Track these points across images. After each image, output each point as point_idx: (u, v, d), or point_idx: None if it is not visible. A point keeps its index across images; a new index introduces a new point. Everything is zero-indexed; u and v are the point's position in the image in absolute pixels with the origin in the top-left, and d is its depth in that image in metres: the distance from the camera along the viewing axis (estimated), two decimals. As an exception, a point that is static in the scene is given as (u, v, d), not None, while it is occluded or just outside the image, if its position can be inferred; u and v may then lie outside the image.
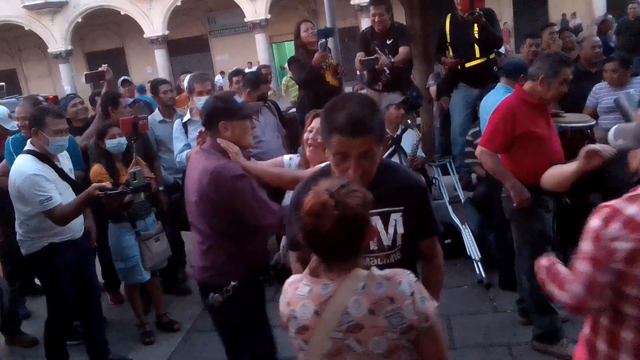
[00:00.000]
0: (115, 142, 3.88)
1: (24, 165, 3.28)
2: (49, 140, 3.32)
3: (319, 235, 1.49)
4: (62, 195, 3.35)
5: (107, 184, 3.34)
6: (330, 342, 1.51)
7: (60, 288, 3.53)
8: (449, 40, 5.42)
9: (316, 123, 2.74)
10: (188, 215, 2.56)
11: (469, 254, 4.41)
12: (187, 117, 4.43)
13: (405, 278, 1.54)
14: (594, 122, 3.97)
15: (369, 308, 1.47)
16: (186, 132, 4.35)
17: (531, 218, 3.13)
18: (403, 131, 4.68)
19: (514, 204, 3.14)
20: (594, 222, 1.58)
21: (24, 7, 23.63)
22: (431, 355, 1.56)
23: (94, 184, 3.31)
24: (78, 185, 3.53)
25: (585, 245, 1.58)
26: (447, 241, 4.64)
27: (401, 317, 1.47)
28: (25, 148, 3.41)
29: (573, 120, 4.02)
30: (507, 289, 3.90)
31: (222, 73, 21.47)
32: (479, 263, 4.29)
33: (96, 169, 3.87)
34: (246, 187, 2.38)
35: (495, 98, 3.78)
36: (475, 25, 5.18)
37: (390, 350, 1.49)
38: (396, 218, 1.85)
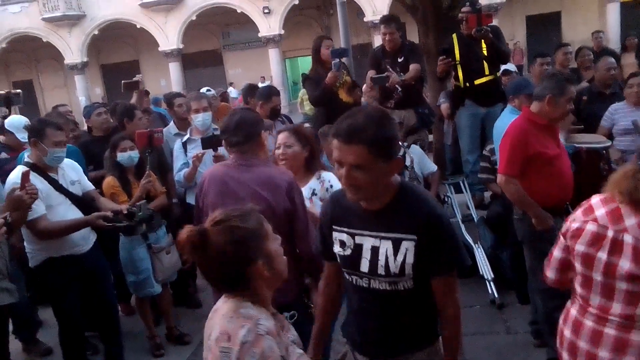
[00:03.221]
0: (126, 156, 3.91)
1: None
2: (48, 152, 3.32)
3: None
4: (56, 207, 3.33)
5: (109, 213, 3.39)
6: (206, 349, 1.59)
7: (61, 302, 3.53)
8: (458, 59, 5.42)
9: (282, 138, 2.92)
10: None
11: (481, 273, 4.38)
12: (186, 136, 4.47)
13: (251, 327, 1.48)
14: (609, 143, 3.96)
15: (217, 336, 1.51)
16: (185, 151, 4.38)
17: (545, 241, 3.09)
18: (405, 151, 4.70)
19: (536, 225, 3.10)
20: None
21: (43, 19, 24.03)
22: None
23: (95, 214, 3.34)
24: (78, 197, 3.51)
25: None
26: (460, 260, 4.62)
27: (229, 358, 1.46)
28: (24, 160, 3.43)
29: (588, 140, 4.01)
30: (526, 303, 3.83)
31: (231, 84, 21.68)
32: (491, 283, 4.26)
33: (109, 181, 3.90)
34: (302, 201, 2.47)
35: (504, 121, 3.77)
36: (483, 42, 5.20)
37: None
38: (407, 247, 1.76)
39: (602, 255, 1.88)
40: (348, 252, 1.88)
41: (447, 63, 5.35)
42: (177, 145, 4.44)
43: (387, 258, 1.79)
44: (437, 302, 1.84)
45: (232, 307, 1.55)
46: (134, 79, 5.28)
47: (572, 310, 2.07)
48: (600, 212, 1.92)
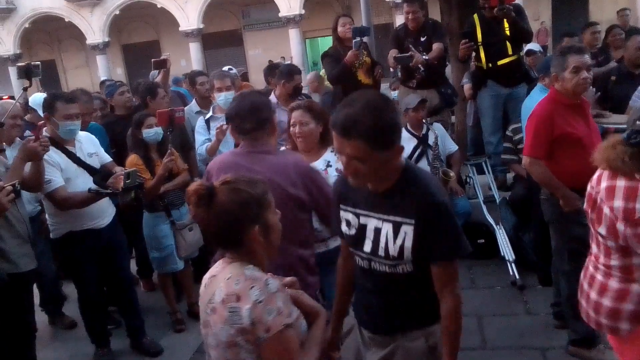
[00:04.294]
0: (152, 132, 3.93)
1: None
2: (59, 125, 3.39)
3: (201, 223, 1.64)
4: (75, 180, 3.42)
5: (98, 187, 3.42)
6: (204, 313, 1.65)
7: (81, 275, 3.64)
8: (480, 40, 5.30)
9: (297, 116, 2.89)
10: None
11: (502, 254, 4.35)
12: (209, 114, 4.48)
13: (261, 287, 1.53)
14: (638, 124, 3.85)
15: (223, 298, 1.56)
16: (208, 128, 4.39)
17: (572, 222, 3.05)
18: (428, 129, 4.66)
19: (563, 206, 3.05)
20: None
21: (65, -1, 24.21)
22: None
23: (90, 187, 3.41)
24: (95, 170, 3.57)
25: None
26: (481, 241, 4.61)
27: (238, 316, 1.51)
28: (42, 134, 3.48)
29: (617, 121, 3.92)
30: (547, 285, 3.82)
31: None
32: (512, 264, 4.23)
33: (132, 159, 3.92)
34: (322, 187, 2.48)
35: (533, 100, 3.70)
36: (505, 21, 5.08)
37: (229, 343, 1.55)
38: (406, 230, 1.75)
39: (591, 212, 2.17)
40: (353, 231, 1.90)
41: (468, 47, 5.25)
42: (199, 123, 4.45)
43: (387, 240, 1.79)
44: (437, 291, 1.81)
45: (236, 271, 1.59)
46: (162, 57, 5.33)
47: (590, 266, 2.29)
48: (594, 176, 2.20)
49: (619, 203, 2.00)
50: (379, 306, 1.92)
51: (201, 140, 4.35)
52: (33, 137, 3.12)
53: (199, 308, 4.62)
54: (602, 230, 2.09)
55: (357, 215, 1.88)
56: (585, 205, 2.23)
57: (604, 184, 2.09)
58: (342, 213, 1.94)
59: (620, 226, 2.00)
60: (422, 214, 1.73)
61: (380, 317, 1.93)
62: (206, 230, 1.65)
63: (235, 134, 2.51)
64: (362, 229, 1.86)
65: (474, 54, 5.47)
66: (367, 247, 1.85)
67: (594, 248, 2.24)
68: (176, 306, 4.28)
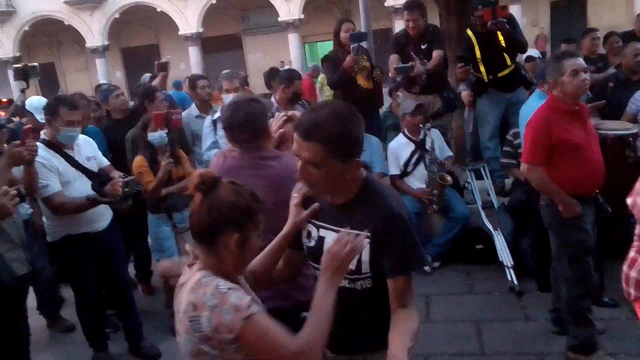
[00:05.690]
0: (157, 135, 3.91)
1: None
2: (60, 130, 3.39)
3: (192, 208, 1.63)
4: (73, 183, 3.42)
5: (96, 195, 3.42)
6: (177, 324, 1.63)
7: (78, 278, 3.64)
8: (479, 57, 5.31)
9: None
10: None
11: (500, 260, 4.36)
12: (217, 114, 4.48)
13: (212, 291, 1.52)
14: (636, 130, 3.88)
15: (184, 308, 1.56)
16: (215, 129, 4.39)
17: (572, 228, 3.07)
18: (425, 135, 4.69)
19: (563, 212, 3.06)
20: None
21: (65, 2, 24.16)
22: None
23: (87, 195, 3.40)
24: (94, 173, 3.57)
25: None
26: (479, 247, 4.62)
27: (199, 324, 1.51)
28: (41, 137, 3.48)
29: (613, 127, 3.94)
30: (545, 291, 3.83)
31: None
32: (511, 270, 4.23)
33: (138, 160, 3.94)
34: None
35: (531, 106, 3.72)
36: (499, 33, 5.11)
37: (194, 352, 1.55)
38: (363, 243, 1.70)
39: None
40: (312, 243, 1.86)
41: (465, 71, 5.29)
42: (206, 123, 4.43)
43: None
44: (391, 309, 1.72)
45: (196, 279, 1.59)
46: (163, 60, 5.36)
47: (631, 252, 2.35)
48: None
49: None
50: (340, 325, 1.78)
51: (208, 144, 4.34)
52: (19, 142, 3.06)
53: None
54: None
55: (317, 227, 1.85)
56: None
57: None
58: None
59: None
60: (378, 226, 1.70)
61: (342, 336, 1.84)
62: (191, 217, 1.64)
63: (231, 142, 2.52)
64: (320, 241, 1.83)
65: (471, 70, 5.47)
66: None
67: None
68: (176, 309, 4.27)
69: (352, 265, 1.73)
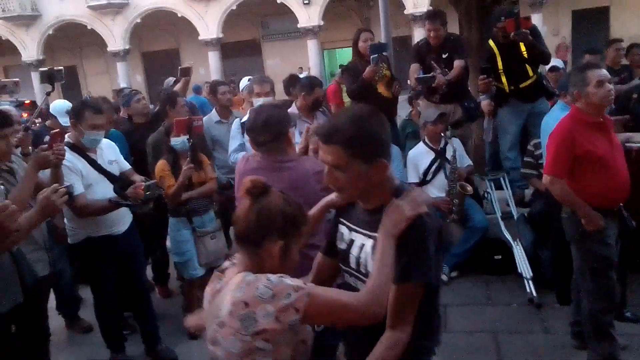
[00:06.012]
0: (179, 141, 3.96)
1: None
2: (84, 134, 3.44)
3: (239, 211, 1.65)
4: (95, 186, 3.46)
5: (118, 198, 3.48)
6: (212, 330, 1.64)
7: (98, 280, 3.67)
8: (501, 68, 5.26)
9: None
10: None
11: (519, 271, 4.31)
12: (245, 116, 4.49)
13: (264, 282, 1.54)
14: (662, 143, 3.81)
15: (230, 310, 1.55)
16: (243, 132, 4.41)
17: (594, 241, 3.02)
18: (446, 143, 4.67)
19: (585, 225, 3.02)
20: None
21: (88, 7, 24.62)
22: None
23: (110, 197, 3.46)
24: (115, 177, 3.62)
25: None
26: (498, 257, 4.57)
27: (253, 320, 1.51)
28: (65, 140, 3.51)
29: (639, 140, 3.88)
30: (565, 304, 3.77)
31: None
32: (530, 281, 4.18)
33: (160, 164, 3.99)
34: None
35: (553, 117, 3.68)
36: (521, 44, 5.06)
37: (243, 353, 1.54)
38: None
39: None
40: (343, 245, 1.88)
41: (487, 83, 5.25)
42: (235, 125, 4.44)
43: (367, 257, 1.76)
44: (387, 320, 1.67)
45: (238, 279, 1.60)
46: (186, 64, 5.44)
47: None
48: None
49: None
50: (361, 334, 1.78)
51: (235, 145, 4.34)
52: (46, 145, 3.13)
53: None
54: None
55: (350, 230, 1.87)
56: None
57: None
58: (339, 226, 1.93)
59: None
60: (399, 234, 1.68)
61: (361, 345, 1.77)
62: (238, 220, 1.65)
63: (253, 145, 2.61)
64: (350, 244, 1.85)
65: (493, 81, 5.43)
66: (353, 263, 1.84)
67: None
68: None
69: (372, 268, 1.70)
